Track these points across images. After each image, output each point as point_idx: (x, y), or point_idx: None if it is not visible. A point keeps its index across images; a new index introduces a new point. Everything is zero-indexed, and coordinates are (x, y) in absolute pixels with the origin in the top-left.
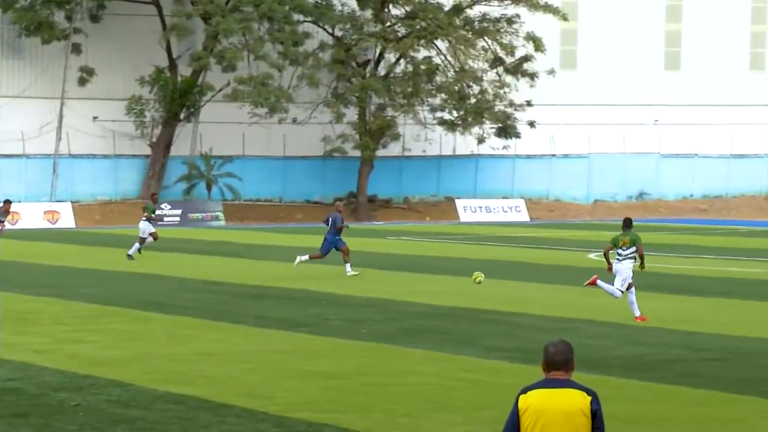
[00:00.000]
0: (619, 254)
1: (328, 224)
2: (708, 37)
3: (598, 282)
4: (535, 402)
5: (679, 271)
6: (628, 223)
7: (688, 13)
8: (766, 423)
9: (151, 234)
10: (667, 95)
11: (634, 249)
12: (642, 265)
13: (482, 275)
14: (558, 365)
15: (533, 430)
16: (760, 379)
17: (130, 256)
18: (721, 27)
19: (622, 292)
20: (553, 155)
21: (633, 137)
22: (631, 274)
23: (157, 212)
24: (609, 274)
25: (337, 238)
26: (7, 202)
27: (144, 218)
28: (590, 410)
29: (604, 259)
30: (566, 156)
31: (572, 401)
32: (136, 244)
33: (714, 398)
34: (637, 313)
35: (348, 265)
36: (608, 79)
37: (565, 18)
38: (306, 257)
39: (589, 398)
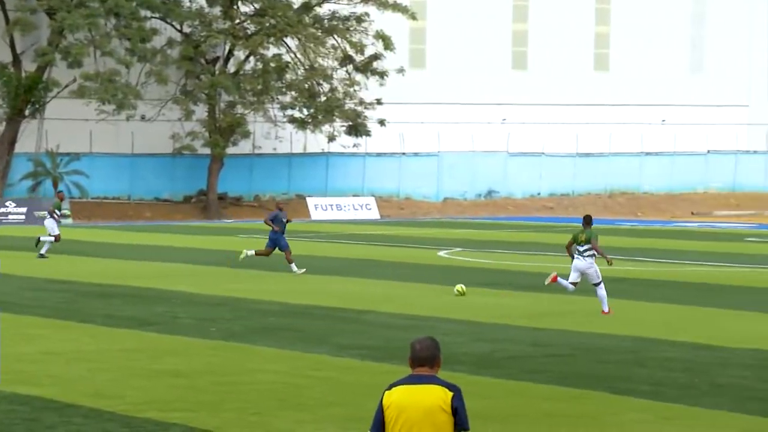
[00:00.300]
0: (578, 251)
1: (273, 223)
2: (554, 37)
3: (559, 279)
4: (398, 398)
5: (525, 269)
6: (588, 220)
7: (534, 13)
8: (614, 419)
9: (54, 235)
10: (514, 94)
11: (589, 246)
12: (608, 261)
13: (462, 287)
14: (423, 361)
15: (395, 426)
16: (606, 374)
17: (42, 255)
18: (567, 27)
19: (575, 285)
20: (404, 153)
21: (482, 136)
22: (598, 269)
23: (2, 210)
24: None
25: (279, 236)
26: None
27: (49, 216)
28: (451, 407)
29: (567, 254)
30: (416, 154)
31: (433, 397)
32: (47, 243)
33: (562, 394)
34: (606, 309)
35: (293, 265)
36: (457, 78)
37: (413, 17)
38: (252, 252)
39: (451, 394)
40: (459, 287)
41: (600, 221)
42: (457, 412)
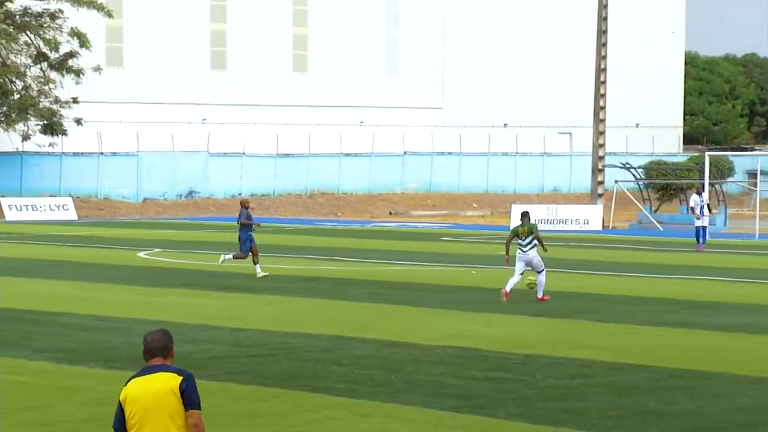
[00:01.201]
0: (521, 244)
1: (249, 220)
2: (252, 37)
3: (508, 289)
4: (132, 390)
5: (222, 269)
6: (526, 215)
7: (232, 13)
8: (311, 416)
9: None
10: (214, 94)
11: (532, 236)
12: (544, 247)
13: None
14: (155, 353)
15: (134, 417)
16: (304, 373)
17: None
18: (265, 28)
19: (521, 275)
20: (101, 153)
21: (182, 136)
22: (540, 258)
23: None
24: (507, 264)
25: (248, 235)
26: None
27: None
28: (179, 389)
29: (505, 249)
30: (115, 154)
31: (164, 383)
32: None
33: (261, 393)
34: (540, 294)
35: (258, 267)
36: (156, 78)
37: (110, 15)
38: (230, 256)
39: (180, 378)
40: (529, 280)
41: (300, 221)
42: (185, 393)
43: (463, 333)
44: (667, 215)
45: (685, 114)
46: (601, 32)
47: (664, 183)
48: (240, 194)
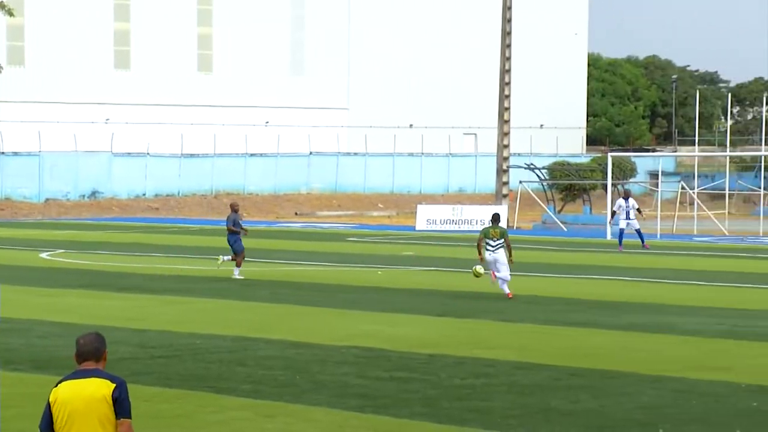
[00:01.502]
0: (491, 245)
1: (236, 226)
2: (156, 37)
3: (496, 277)
4: (63, 393)
5: (128, 270)
6: (497, 218)
7: (135, 12)
8: (215, 417)
9: None
10: (117, 94)
11: (502, 240)
12: (511, 256)
13: (481, 268)
14: (87, 356)
15: (62, 420)
16: (208, 374)
17: None
18: (169, 28)
19: (498, 274)
20: (3, 153)
21: (85, 135)
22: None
23: None
24: (482, 263)
25: (236, 238)
26: None
27: None
28: (112, 397)
29: (477, 250)
30: (16, 153)
31: (95, 389)
32: None
33: (166, 395)
34: (508, 291)
35: (237, 270)
36: (59, 77)
37: (11, 13)
38: (228, 258)
39: (113, 386)
40: (477, 269)
41: (205, 222)
42: (117, 401)
43: (368, 333)
44: (571, 215)
45: (588, 115)
46: (506, 33)
47: (567, 183)
48: (144, 195)
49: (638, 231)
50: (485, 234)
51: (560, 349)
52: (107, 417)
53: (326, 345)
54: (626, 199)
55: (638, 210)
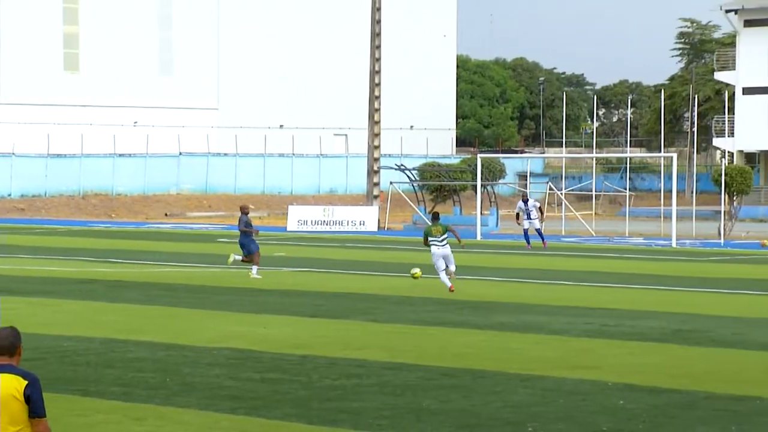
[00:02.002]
0: (437, 241)
1: (248, 228)
2: (21, 36)
3: (445, 280)
4: None
5: None
6: (436, 216)
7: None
8: (82, 420)
9: None
10: None
11: (446, 235)
12: (459, 240)
13: (419, 271)
14: (2, 351)
15: None
16: (76, 377)
17: None
18: (35, 26)
19: (444, 269)
20: None
21: None
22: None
23: None
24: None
25: (249, 239)
26: None
27: None
28: (24, 394)
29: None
30: None
31: (7, 385)
32: None
33: None
34: (449, 284)
35: (255, 269)
36: None
37: None
38: (239, 257)
39: (25, 382)
40: (416, 272)
41: (73, 222)
42: (30, 399)
43: (240, 334)
44: (441, 216)
45: (457, 117)
46: (375, 35)
47: (437, 184)
48: (9, 195)
49: (538, 231)
50: (428, 233)
51: (430, 348)
52: (18, 414)
53: (198, 347)
54: (525, 201)
55: (540, 210)
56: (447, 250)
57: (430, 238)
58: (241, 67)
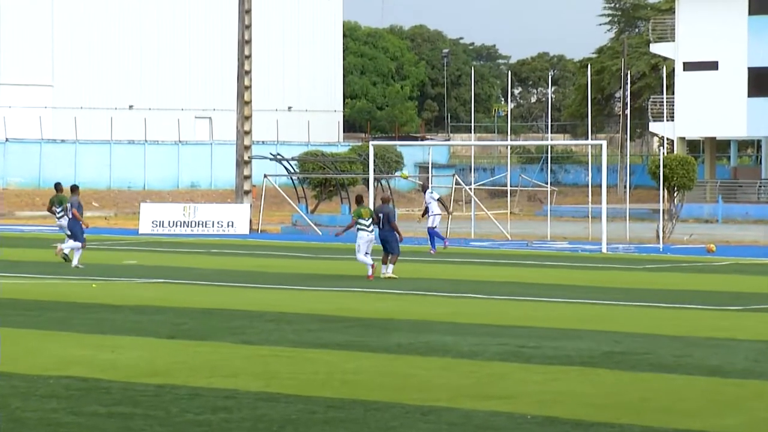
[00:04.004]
0: (363, 225)
1: (380, 221)
2: None
3: (364, 259)
4: None
5: None
6: (360, 199)
7: None
8: None
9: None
10: None
11: (372, 219)
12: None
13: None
14: None
15: None
16: None
17: None
18: None
19: (368, 254)
20: None
21: None
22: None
23: None
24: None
25: (389, 234)
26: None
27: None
28: None
29: (344, 229)
30: None
31: None
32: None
33: None
34: (371, 272)
35: (390, 267)
36: None
37: None
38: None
39: None
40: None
41: None
42: None
43: (82, 360)
44: (327, 216)
45: (344, 96)
46: None
47: (322, 178)
48: None
49: (430, 230)
50: (358, 215)
51: (313, 375)
52: None
53: (29, 375)
54: (424, 191)
55: (443, 203)
56: (373, 235)
57: (360, 221)
58: (80, 36)
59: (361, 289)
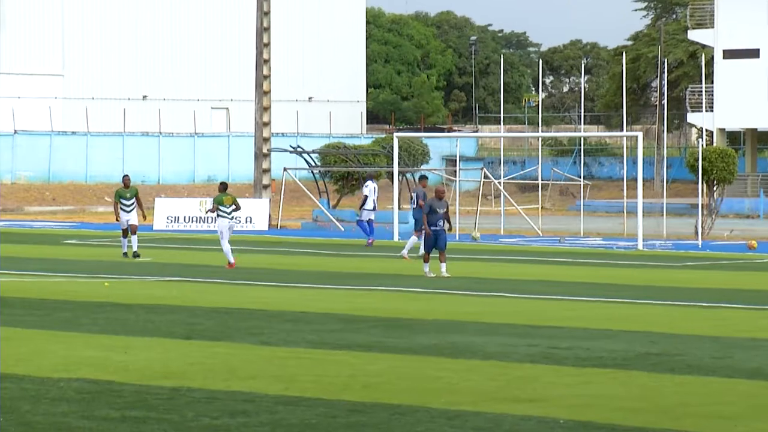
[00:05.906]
0: (225, 212)
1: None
2: None
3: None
4: None
5: None
6: (224, 188)
7: None
8: None
9: None
10: None
11: (234, 207)
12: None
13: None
14: None
15: None
16: None
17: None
18: None
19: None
20: None
21: None
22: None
23: None
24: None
25: (442, 231)
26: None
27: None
28: None
29: (208, 211)
30: None
31: None
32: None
33: None
34: (232, 260)
35: (443, 265)
36: None
37: None
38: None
39: None
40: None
41: None
42: None
43: (94, 361)
44: (349, 211)
45: (368, 86)
46: None
47: (344, 171)
48: None
49: (359, 222)
50: (218, 202)
51: (334, 378)
52: None
53: (39, 377)
54: (367, 179)
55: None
56: (233, 222)
57: (221, 207)
58: (92, 21)
59: (385, 288)
